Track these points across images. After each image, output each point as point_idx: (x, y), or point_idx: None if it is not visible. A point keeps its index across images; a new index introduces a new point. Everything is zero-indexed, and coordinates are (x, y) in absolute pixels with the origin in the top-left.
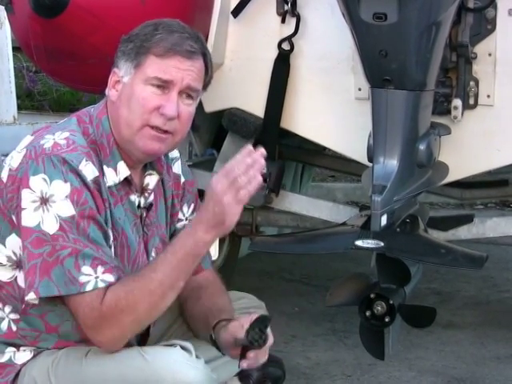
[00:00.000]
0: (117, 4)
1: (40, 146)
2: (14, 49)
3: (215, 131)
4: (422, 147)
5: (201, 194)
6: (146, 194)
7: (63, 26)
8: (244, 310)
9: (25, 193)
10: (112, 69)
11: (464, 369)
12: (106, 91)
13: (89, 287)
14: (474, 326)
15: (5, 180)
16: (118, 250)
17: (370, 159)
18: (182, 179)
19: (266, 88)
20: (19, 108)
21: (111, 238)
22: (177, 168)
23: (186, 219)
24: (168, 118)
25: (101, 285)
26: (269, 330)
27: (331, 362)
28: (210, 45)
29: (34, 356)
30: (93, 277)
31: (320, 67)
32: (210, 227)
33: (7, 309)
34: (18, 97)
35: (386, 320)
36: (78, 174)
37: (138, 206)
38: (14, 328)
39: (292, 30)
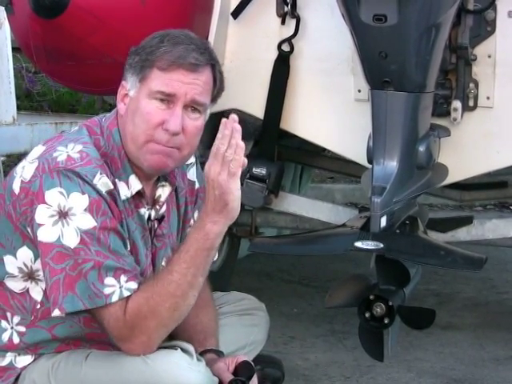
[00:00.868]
0: (117, 5)
1: (53, 160)
2: (14, 49)
3: (215, 132)
4: (421, 149)
5: None
6: (158, 207)
7: (63, 26)
8: (245, 312)
9: (41, 208)
10: (121, 81)
11: (463, 370)
12: (117, 104)
13: (114, 298)
14: (473, 327)
15: (17, 192)
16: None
17: (370, 161)
18: (197, 185)
19: (266, 89)
20: (18, 108)
21: (128, 247)
22: (192, 174)
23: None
24: (171, 133)
25: (126, 294)
26: (253, 379)
27: (330, 364)
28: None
29: (35, 359)
30: (117, 287)
31: (320, 68)
32: (216, 214)
33: (15, 319)
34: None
35: (385, 321)
36: (94, 188)
37: (149, 218)
38: (17, 340)
39: (292, 32)
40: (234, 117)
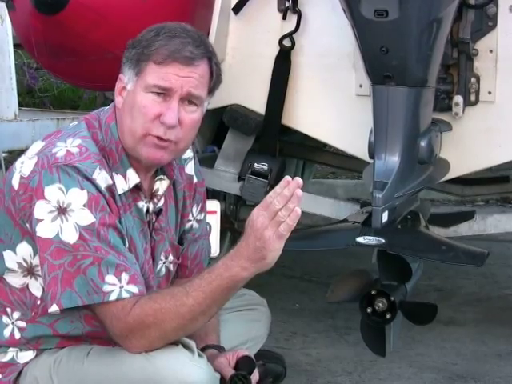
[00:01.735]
0: (118, 1)
1: (52, 155)
2: (15, 46)
3: (216, 128)
4: (423, 144)
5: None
6: (156, 200)
7: (64, 22)
8: (246, 307)
9: (40, 204)
10: (119, 75)
11: (465, 365)
12: (115, 97)
13: (112, 297)
14: (475, 322)
15: (16, 187)
16: None
17: (371, 156)
18: (195, 180)
19: (267, 85)
20: (20, 105)
21: (127, 244)
22: (190, 169)
23: (194, 219)
24: (168, 126)
25: (125, 295)
26: (254, 373)
27: (332, 359)
28: (210, 41)
29: (37, 355)
30: (117, 286)
31: (321, 64)
32: (250, 263)
33: (15, 315)
34: (19, 94)
35: (387, 317)
36: (93, 183)
37: (147, 211)
38: (18, 336)
39: (293, 27)
40: (298, 181)
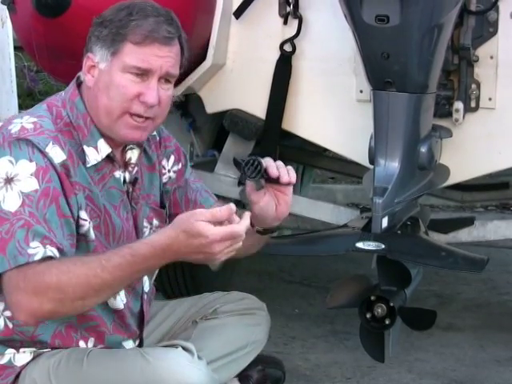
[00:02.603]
0: None
1: (8, 131)
2: (16, 48)
3: (216, 132)
4: (423, 150)
5: None
6: (130, 169)
7: (65, 25)
8: (246, 311)
9: None
10: (85, 53)
11: (464, 371)
12: (81, 75)
13: (37, 257)
14: (474, 328)
15: None
16: (102, 228)
17: (371, 161)
18: (157, 138)
19: (268, 89)
20: (20, 107)
21: (73, 225)
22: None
23: (170, 171)
24: (149, 105)
25: (49, 254)
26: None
27: (331, 364)
28: (211, 46)
29: (34, 358)
30: (41, 248)
31: (322, 69)
32: (179, 256)
33: (1, 306)
34: (19, 96)
35: (387, 322)
36: (45, 156)
37: (124, 181)
38: (11, 325)
39: (294, 32)
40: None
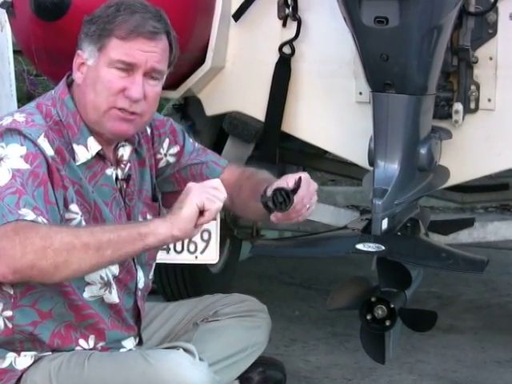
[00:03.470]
0: None
1: (0, 126)
2: (15, 52)
3: (216, 135)
4: (423, 151)
5: None
6: (122, 166)
7: (64, 29)
8: (246, 313)
9: None
10: (76, 51)
11: (464, 373)
12: (73, 74)
13: (28, 218)
14: (475, 330)
15: None
16: (92, 224)
17: (371, 163)
18: (149, 130)
19: (267, 92)
20: None
21: (57, 214)
22: None
23: (166, 155)
24: (133, 100)
25: (40, 221)
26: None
27: (332, 366)
28: (211, 48)
29: (35, 362)
30: (31, 213)
31: (321, 71)
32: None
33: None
34: (19, 100)
35: (387, 324)
36: (36, 145)
37: (116, 178)
38: (10, 325)
39: (293, 34)
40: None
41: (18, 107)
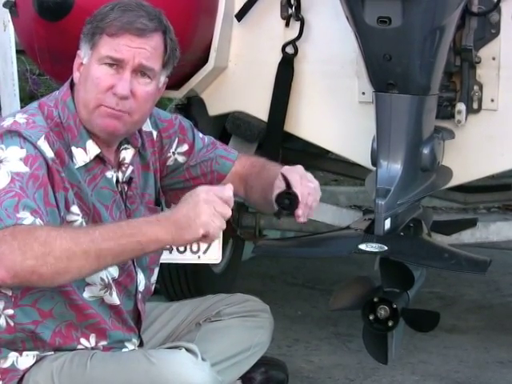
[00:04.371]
0: None
1: (0, 127)
2: (18, 52)
3: (219, 134)
4: (425, 151)
5: None
6: (124, 168)
7: (67, 28)
8: (249, 313)
9: None
10: (77, 51)
11: (467, 373)
12: (73, 74)
13: (26, 222)
14: (478, 330)
15: None
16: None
17: (374, 163)
18: (155, 133)
19: (270, 92)
20: None
21: (58, 216)
22: (146, 126)
23: (175, 154)
24: (120, 96)
25: (39, 223)
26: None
27: (334, 366)
28: (213, 48)
29: (37, 361)
30: (30, 217)
31: (324, 71)
32: (173, 228)
33: (1, 305)
34: (22, 99)
35: (390, 324)
36: (36, 148)
37: (117, 181)
38: (12, 323)
39: (296, 34)
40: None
41: (21, 107)
